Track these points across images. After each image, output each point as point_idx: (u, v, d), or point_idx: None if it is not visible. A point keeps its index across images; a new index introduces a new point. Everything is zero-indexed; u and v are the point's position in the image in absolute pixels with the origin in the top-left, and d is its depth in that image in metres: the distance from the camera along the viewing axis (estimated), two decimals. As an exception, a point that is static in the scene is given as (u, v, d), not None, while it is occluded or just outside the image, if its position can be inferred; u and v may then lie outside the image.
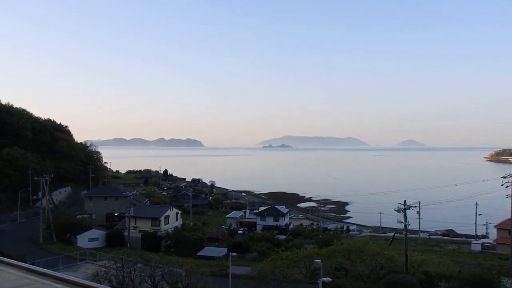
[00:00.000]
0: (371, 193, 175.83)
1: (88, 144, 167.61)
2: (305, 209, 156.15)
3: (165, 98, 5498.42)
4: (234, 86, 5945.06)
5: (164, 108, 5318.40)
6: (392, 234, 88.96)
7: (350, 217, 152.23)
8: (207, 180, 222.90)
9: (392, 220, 77.48)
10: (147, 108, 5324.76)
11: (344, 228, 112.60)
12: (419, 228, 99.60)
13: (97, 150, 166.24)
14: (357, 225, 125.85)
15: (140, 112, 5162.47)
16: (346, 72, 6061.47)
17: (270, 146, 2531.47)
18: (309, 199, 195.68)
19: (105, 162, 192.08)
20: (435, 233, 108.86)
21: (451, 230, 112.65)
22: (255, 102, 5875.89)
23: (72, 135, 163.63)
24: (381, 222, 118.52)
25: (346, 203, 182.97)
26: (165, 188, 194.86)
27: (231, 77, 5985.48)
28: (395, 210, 49.76)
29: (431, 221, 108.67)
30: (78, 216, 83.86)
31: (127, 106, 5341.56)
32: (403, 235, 48.57)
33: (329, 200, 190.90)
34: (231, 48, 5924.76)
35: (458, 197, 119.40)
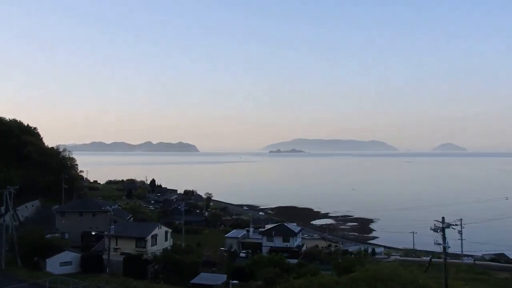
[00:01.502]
0: (401, 208, 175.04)
1: (61, 150, 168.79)
2: (321, 228, 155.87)
3: (152, 96, 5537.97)
4: (234, 82, 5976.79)
5: (151, 107, 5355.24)
6: (429, 258, 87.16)
7: (376, 237, 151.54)
8: (202, 192, 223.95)
9: (428, 242, 76.39)
10: (130, 107, 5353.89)
11: (369, 251, 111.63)
12: (462, 252, 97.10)
13: (71, 157, 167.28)
14: (385, 247, 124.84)
15: (123, 111, 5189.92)
16: (369, 66, 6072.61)
17: (278, 151, 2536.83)
18: (326, 216, 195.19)
19: (81, 171, 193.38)
20: (482, 258, 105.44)
21: (502, 255, 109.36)
22: (260, 100, 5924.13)
23: (42, 138, 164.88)
24: (414, 244, 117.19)
25: (371, 221, 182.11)
26: (152, 201, 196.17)
27: (230, 71, 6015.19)
28: (431, 229, 48.99)
29: (476, 243, 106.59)
30: (48, 236, 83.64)
31: (107, 104, 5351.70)
32: (441, 260, 47.79)
33: (350, 216, 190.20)
34: (229, 38, 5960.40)
35: (510, 214, 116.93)
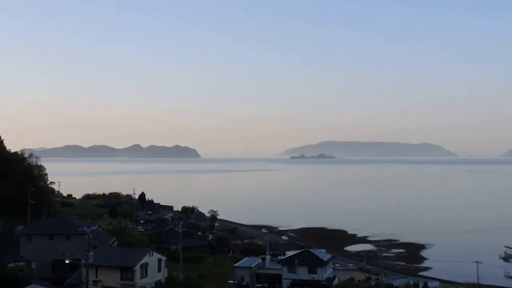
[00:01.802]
0: (461, 231, 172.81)
1: (26, 155, 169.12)
2: (358, 256, 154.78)
3: (142, 88, 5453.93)
4: (246, 72, 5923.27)
5: (140, 103, 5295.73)
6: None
7: (429, 268, 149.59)
8: (205, 210, 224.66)
9: (497, 274, 75.78)
10: (115, 102, 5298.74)
11: (420, 286, 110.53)
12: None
13: (39, 164, 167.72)
14: (441, 281, 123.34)
15: (105, 108, 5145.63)
16: (419, 53, 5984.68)
17: (302, 156, 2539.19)
18: (364, 240, 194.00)
19: (52, 182, 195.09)
20: None
21: None
22: (278, 94, 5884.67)
23: (3, 141, 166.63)
24: (478, 277, 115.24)
25: (422, 247, 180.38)
26: (142, 221, 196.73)
27: (240, 60, 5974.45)
28: (500, 258, 48.45)
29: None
30: (10, 265, 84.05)
31: (83, 99, 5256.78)
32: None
33: (395, 241, 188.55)
34: (240, 24, 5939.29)
35: None
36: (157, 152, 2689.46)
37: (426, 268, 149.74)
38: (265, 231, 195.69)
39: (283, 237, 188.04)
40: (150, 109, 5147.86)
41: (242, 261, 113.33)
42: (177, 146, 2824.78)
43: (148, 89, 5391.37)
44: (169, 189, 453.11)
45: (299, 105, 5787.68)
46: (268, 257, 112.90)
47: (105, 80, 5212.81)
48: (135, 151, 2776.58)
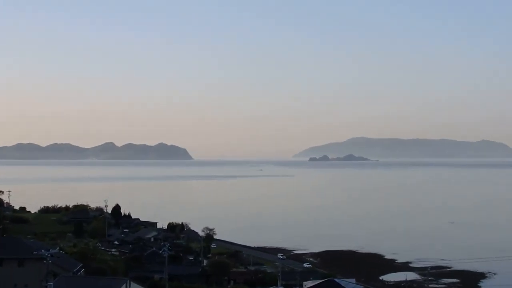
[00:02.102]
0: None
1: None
2: (398, 287, 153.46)
3: (115, 73, 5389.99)
4: (254, 54, 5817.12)
5: (115, 91, 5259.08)
6: None
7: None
8: (199, 227, 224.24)
9: None
10: (82, 90, 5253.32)
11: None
12: None
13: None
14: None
15: (69, 98, 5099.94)
16: (473, 31, 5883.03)
17: (325, 157, 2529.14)
18: (406, 267, 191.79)
19: (0, 192, 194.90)
20: None
21: None
22: (293, 80, 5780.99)
23: None
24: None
25: (481, 275, 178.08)
26: (116, 242, 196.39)
27: (246, 35, 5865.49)
28: None
29: None
30: None
31: (42, 88, 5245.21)
32: None
33: (446, 268, 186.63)
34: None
35: None
36: (136, 152, 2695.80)
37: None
38: (282, 257, 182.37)
39: (305, 265, 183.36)
40: (128, 99, 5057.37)
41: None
42: (162, 145, 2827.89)
43: (125, 75, 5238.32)
44: (152, 200, 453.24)
45: (320, 95, 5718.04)
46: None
47: (69, 64, 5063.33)
48: (108, 151, 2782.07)
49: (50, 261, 76.82)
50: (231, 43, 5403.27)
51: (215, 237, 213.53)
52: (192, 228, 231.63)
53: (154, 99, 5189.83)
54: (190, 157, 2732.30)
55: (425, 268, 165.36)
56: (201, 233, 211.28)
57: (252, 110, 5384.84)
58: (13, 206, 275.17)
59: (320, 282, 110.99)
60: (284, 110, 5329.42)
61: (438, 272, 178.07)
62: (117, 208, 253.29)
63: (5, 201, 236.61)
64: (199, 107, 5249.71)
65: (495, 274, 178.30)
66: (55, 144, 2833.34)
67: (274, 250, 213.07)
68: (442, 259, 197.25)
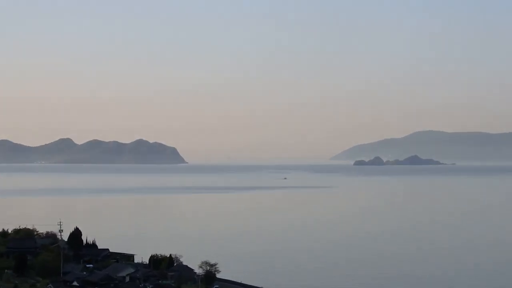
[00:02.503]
0: None
1: None
2: None
3: (76, 50, 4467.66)
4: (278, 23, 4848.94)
5: (72, 73, 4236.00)
6: None
7: None
8: (194, 262, 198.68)
9: None
10: (27, 72, 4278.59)
11: None
12: None
13: None
14: None
15: (7, 82, 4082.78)
16: None
17: (377, 160, 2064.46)
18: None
19: None
20: None
21: None
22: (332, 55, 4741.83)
23: None
24: None
25: None
26: (75, 283, 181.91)
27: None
28: None
29: None
30: None
31: None
32: None
33: None
34: None
35: None
36: (104, 152, 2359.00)
37: None
38: None
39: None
40: (93, 81, 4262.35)
41: None
42: (141, 143, 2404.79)
43: (91, 49, 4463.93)
44: (127, 223, 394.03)
45: (372, 77, 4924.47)
46: None
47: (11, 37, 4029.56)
48: (64, 151, 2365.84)
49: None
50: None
51: (217, 275, 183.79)
52: (184, 263, 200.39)
53: (130, 81, 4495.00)
54: (182, 160, 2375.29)
55: None
56: (198, 270, 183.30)
57: (271, 97, 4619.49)
58: None
59: None
60: (317, 97, 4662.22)
61: None
62: (76, 233, 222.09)
63: None
64: (196, 92, 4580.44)
65: None
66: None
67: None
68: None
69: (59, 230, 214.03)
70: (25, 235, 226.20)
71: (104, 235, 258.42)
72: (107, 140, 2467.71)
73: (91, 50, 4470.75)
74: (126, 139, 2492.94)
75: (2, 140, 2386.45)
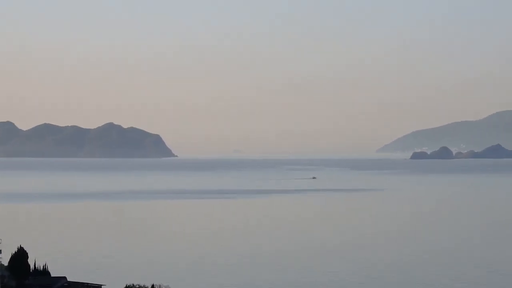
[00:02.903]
0: None
1: None
2: None
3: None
4: None
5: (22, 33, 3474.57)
6: None
7: None
8: None
9: None
10: None
11: None
12: None
13: None
14: None
15: None
16: None
17: (444, 151, 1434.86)
18: None
19: None
20: None
21: None
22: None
23: None
24: None
25: None
26: None
27: None
28: None
29: None
30: None
31: None
32: None
33: None
34: None
35: None
36: (57, 141, 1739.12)
37: None
38: None
39: None
40: (44, 47, 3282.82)
41: None
42: (112, 128, 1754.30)
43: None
44: (91, 240, 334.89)
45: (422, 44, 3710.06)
46: None
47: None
48: (3, 139, 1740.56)
49: None
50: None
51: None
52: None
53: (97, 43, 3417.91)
54: (169, 152, 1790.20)
55: None
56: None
57: (291, 65, 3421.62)
58: None
59: None
60: (355, 67, 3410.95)
61: None
62: (21, 255, 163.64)
63: None
64: (191, 61, 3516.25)
65: None
66: None
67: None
68: None
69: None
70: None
71: (59, 257, 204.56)
72: (63, 125, 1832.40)
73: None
74: (91, 124, 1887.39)
75: None
